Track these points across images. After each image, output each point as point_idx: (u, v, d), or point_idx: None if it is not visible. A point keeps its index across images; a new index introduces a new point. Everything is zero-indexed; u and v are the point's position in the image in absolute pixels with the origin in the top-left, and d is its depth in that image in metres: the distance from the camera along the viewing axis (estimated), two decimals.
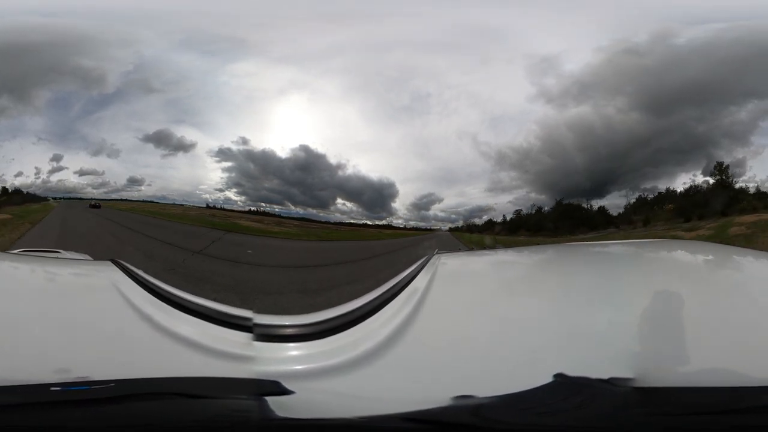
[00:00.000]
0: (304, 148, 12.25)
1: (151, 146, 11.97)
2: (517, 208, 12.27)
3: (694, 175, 11.77)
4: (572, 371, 0.85)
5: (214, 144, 12.11)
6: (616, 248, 2.36)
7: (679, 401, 0.81)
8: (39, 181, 12.14)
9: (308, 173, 12.54)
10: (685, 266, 1.80)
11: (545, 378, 0.84)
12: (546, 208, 12.22)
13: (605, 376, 0.84)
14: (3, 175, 11.76)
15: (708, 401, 0.80)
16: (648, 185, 12.11)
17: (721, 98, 10.94)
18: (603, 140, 11.64)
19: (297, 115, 12.43)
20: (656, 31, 9.89)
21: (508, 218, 12.41)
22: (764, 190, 11.17)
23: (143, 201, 12.67)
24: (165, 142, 11.88)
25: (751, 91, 10.77)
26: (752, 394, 0.80)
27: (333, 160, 12.41)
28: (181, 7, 9.55)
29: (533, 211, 12.20)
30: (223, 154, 12.08)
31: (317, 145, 12.25)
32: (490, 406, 0.81)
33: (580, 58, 10.62)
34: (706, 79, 10.34)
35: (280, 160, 12.35)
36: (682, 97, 10.85)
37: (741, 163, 11.54)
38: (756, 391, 0.81)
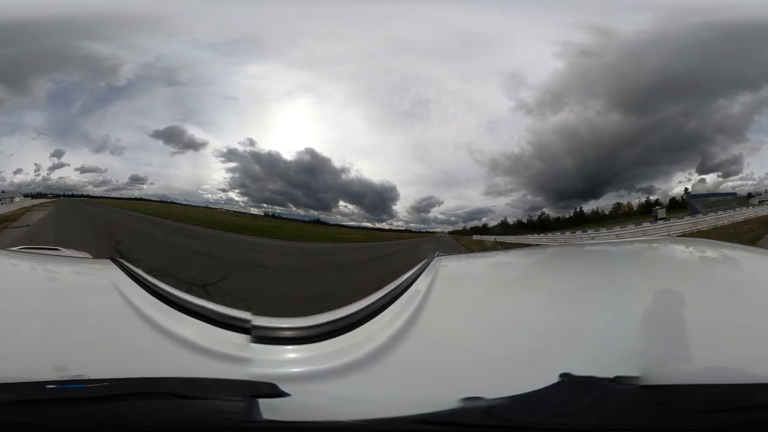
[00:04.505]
0: (310, 152, 12.29)
1: (159, 143, 11.85)
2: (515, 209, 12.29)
3: (690, 174, 11.67)
4: (577, 371, 0.85)
5: (221, 144, 12.08)
6: (617, 248, 2.35)
7: (689, 399, 0.81)
8: (39, 178, 12.05)
9: (312, 176, 12.57)
10: (686, 265, 1.79)
11: (551, 378, 0.84)
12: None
13: (611, 374, 0.84)
14: (2, 172, 11.62)
15: (717, 398, 0.80)
16: (644, 185, 12.03)
17: (701, 90, 10.74)
18: (588, 143, 11.66)
19: (303, 119, 12.48)
20: (599, 29, 9.75)
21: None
22: (764, 188, 10.97)
23: (143, 199, 12.62)
24: (175, 140, 11.79)
25: (738, 83, 10.52)
26: (759, 391, 0.80)
27: (337, 163, 12.45)
28: (210, 4, 9.30)
29: None
30: (230, 154, 12.06)
31: (323, 149, 12.28)
32: (503, 407, 0.81)
33: (545, 66, 10.58)
34: (671, 70, 10.16)
35: (285, 162, 12.38)
36: (654, 92, 10.73)
37: (737, 160, 11.35)
38: (757, 388, 0.81)
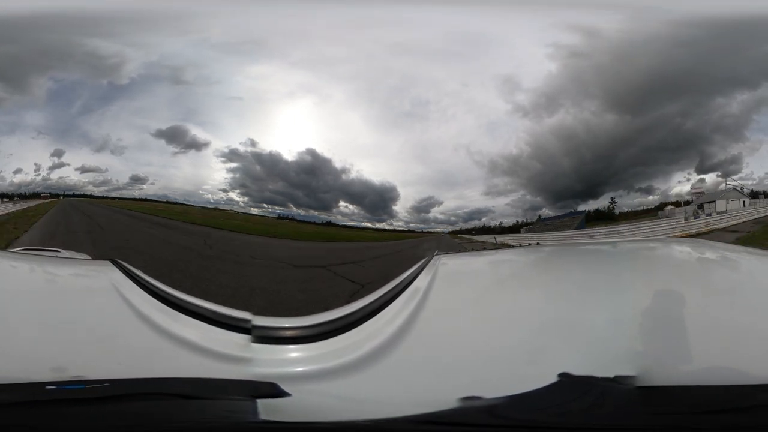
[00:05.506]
0: (311, 152, 12.31)
1: (161, 143, 11.76)
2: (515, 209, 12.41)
3: (689, 173, 11.62)
4: (576, 370, 0.85)
5: (223, 144, 12.06)
6: (617, 247, 2.34)
7: (687, 399, 0.81)
8: (39, 178, 11.97)
9: (313, 176, 12.58)
10: (686, 265, 1.79)
11: (550, 377, 0.84)
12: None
13: (610, 374, 0.84)
14: (1, 171, 11.53)
15: (716, 399, 0.80)
16: (643, 185, 11.99)
17: (699, 89, 10.62)
18: (585, 144, 11.65)
19: (304, 119, 12.49)
20: (591, 30, 9.69)
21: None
22: (763, 188, 10.93)
23: (147, 199, 12.58)
24: (177, 140, 11.72)
25: (736, 81, 10.41)
26: (754, 392, 0.80)
27: (338, 164, 12.47)
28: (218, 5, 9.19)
29: None
30: (231, 154, 12.06)
31: (323, 150, 12.30)
32: (502, 406, 0.81)
33: (540, 68, 10.57)
34: (666, 69, 10.05)
35: (286, 162, 12.38)
36: (649, 91, 10.63)
37: (737, 160, 11.29)
38: (756, 389, 0.81)
